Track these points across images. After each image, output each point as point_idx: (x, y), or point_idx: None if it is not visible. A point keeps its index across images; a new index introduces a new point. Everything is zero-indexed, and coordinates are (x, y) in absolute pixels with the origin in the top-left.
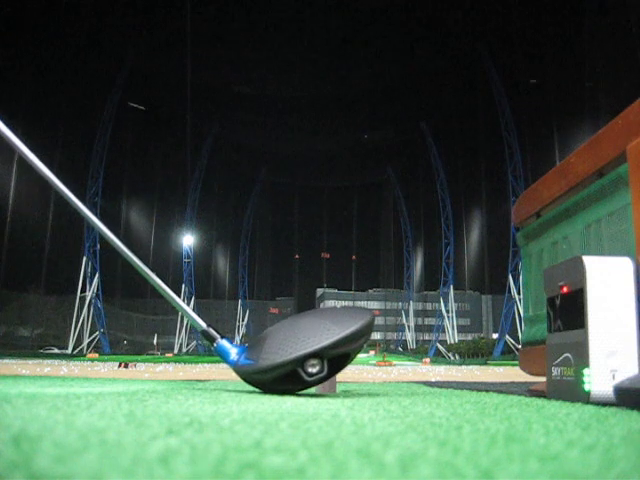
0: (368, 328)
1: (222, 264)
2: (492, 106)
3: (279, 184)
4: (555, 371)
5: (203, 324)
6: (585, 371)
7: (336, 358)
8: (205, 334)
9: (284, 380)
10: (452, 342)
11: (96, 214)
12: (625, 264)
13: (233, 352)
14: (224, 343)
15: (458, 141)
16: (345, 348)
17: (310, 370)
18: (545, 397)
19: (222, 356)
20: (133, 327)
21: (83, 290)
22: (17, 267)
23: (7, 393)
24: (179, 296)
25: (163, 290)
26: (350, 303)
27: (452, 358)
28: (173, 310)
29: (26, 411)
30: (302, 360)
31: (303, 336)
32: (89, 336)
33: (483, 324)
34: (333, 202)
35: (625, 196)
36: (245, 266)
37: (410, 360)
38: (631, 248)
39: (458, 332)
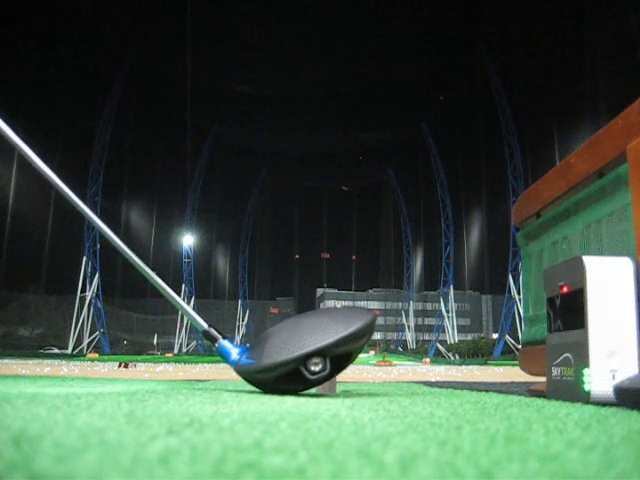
0: (370, 328)
1: (222, 264)
2: (492, 106)
3: (279, 184)
4: (555, 371)
5: (204, 324)
6: (585, 371)
7: (338, 357)
8: (206, 334)
9: (286, 379)
10: (452, 342)
11: (96, 214)
12: (625, 264)
13: (234, 352)
14: (225, 343)
15: (458, 141)
16: (347, 347)
17: (313, 368)
18: (545, 397)
19: (223, 356)
20: (133, 327)
21: (83, 290)
22: (17, 267)
23: (7, 393)
24: (179, 296)
25: (164, 290)
26: (350, 303)
27: (452, 358)
28: (173, 310)
29: (26, 411)
30: (305, 358)
31: (305, 335)
32: (89, 336)
33: (483, 324)
34: (333, 202)
35: (625, 196)
36: (245, 266)
37: (410, 360)
38: (631, 248)
39: (458, 332)
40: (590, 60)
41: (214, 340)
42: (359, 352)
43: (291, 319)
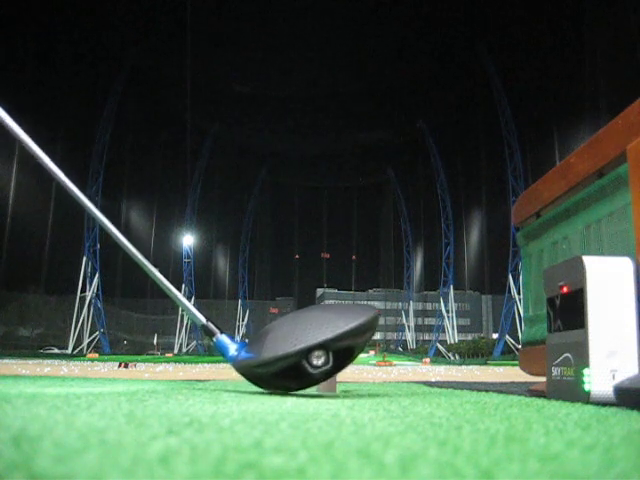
0: (372, 324)
1: (222, 264)
2: (492, 106)
3: (279, 184)
4: (555, 371)
5: (203, 319)
6: (585, 371)
7: (341, 352)
8: (205, 329)
9: (287, 374)
10: (452, 342)
11: None
12: (625, 264)
13: (232, 348)
14: (224, 338)
15: (458, 141)
16: (350, 341)
17: (315, 362)
18: (545, 397)
19: (221, 351)
20: (133, 327)
21: (83, 290)
22: (17, 267)
23: (7, 393)
24: None
25: (163, 284)
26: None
27: (452, 358)
28: (173, 310)
29: (26, 411)
30: (307, 352)
31: (307, 329)
32: (89, 336)
33: (483, 324)
34: (333, 202)
35: (625, 196)
36: (245, 266)
37: (410, 360)
38: (631, 248)
39: (458, 332)
40: (590, 60)
41: (212, 334)
42: (361, 349)
43: (292, 314)
